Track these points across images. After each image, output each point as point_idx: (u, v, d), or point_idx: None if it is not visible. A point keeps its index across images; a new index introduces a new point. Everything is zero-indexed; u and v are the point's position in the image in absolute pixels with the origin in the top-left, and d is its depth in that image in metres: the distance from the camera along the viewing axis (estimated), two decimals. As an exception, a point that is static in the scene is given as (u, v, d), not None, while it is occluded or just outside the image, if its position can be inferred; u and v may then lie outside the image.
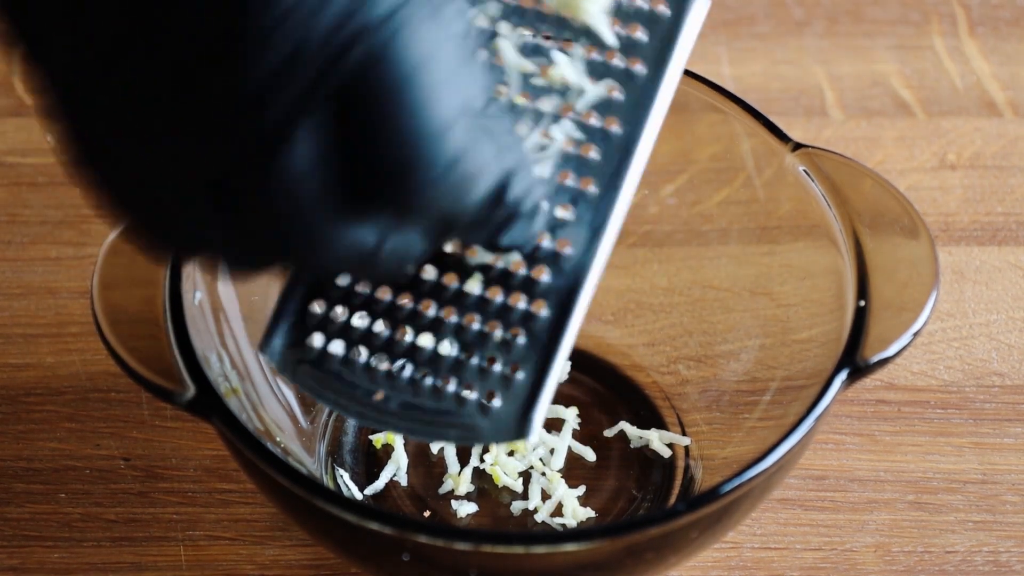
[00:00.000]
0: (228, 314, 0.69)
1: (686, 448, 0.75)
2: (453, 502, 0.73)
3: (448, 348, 0.58)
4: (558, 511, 0.73)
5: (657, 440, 0.75)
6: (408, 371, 0.58)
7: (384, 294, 0.58)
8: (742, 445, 0.72)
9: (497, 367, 0.57)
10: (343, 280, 0.59)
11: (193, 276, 0.66)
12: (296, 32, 0.47)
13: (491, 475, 0.73)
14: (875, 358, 0.64)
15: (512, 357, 0.57)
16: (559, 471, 0.74)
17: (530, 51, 0.58)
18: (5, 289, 0.82)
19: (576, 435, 0.75)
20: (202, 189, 0.49)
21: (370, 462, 0.75)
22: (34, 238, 0.84)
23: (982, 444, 0.76)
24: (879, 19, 0.96)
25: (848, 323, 0.65)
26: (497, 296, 0.57)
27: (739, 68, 0.93)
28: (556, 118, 0.58)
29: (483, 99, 0.51)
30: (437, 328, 0.58)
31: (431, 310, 0.58)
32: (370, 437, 0.75)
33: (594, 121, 0.58)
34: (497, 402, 0.57)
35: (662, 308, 0.78)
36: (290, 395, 0.72)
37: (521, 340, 0.57)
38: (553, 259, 0.57)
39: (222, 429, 0.62)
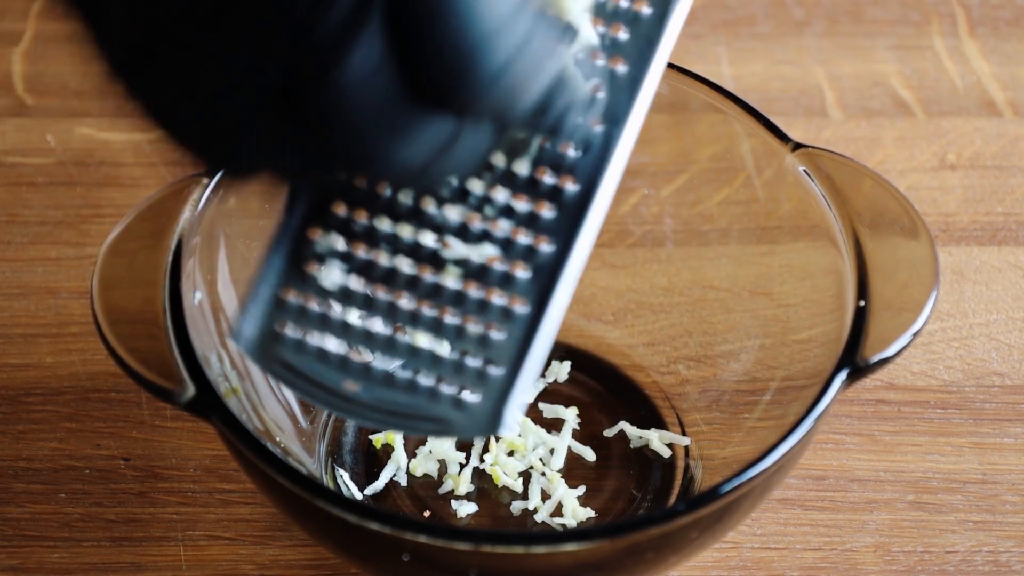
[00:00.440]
0: (228, 314, 0.69)
1: (686, 448, 0.75)
2: (453, 502, 0.73)
3: (424, 341, 0.57)
4: (558, 511, 0.73)
5: (657, 440, 0.75)
6: (382, 363, 0.57)
7: (358, 285, 0.58)
8: (742, 445, 0.72)
9: (473, 361, 0.57)
10: (319, 269, 0.58)
11: (193, 276, 0.66)
12: None
13: (491, 475, 0.73)
14: (875, 358, 0.64)
15: (488, 352, 0.57)
16: (559, 471, 0.74)
17: None
18: (5, 289, 0.82)
19: (576, 435, 0.75)
20: (266, 100, 0.50)
21: (370, 462, 0.74)
22: (34, 238, 0.84)
23: (982, 444, 0.76)
24: (879, 19, 0.96)
25: (848, 323, 0.65)
26: (474, 290, 0.57)
27: (739, 68, 0.93)
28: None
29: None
30: (414, 321, 0.57)
31: (407, 303, 0.57)
32: (370, 437, 0.75)
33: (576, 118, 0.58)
34: (472, 396, 0.57)
35: (662, 308, 0.78)
36: (290, 395, 0.72)
37: (497, 335, 0.57)
38: (531, 254, 0.57)
39: (222, 429, 0.62)
